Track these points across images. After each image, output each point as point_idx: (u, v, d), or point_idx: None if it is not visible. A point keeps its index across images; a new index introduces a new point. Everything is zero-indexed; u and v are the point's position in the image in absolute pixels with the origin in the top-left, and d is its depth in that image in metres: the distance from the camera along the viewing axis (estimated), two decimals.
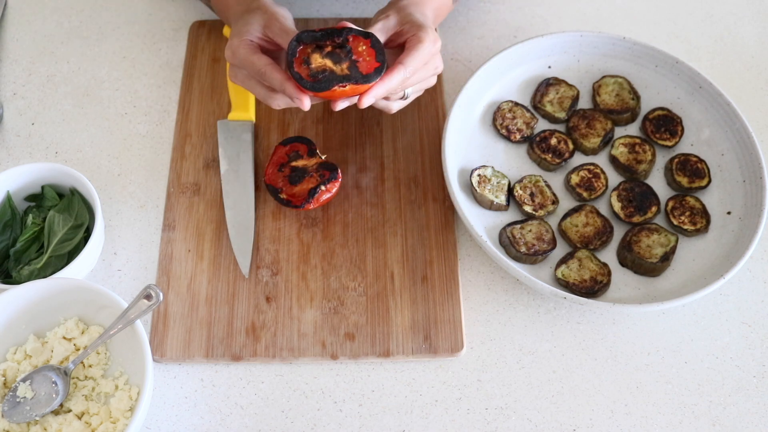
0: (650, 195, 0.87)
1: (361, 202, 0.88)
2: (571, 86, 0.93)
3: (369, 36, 0.74)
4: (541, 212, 0.86)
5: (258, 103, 0.94)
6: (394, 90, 0.75)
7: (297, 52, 0.72)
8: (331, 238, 0.85)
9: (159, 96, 0.96)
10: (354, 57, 0.73)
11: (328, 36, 0.73)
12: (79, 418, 0.74)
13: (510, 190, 0.87)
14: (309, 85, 0.71)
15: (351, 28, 0.74)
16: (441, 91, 0.95)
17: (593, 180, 0.88)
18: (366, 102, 0.72)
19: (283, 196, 0.85)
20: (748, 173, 0.86)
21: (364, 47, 0.73)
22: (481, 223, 0.85)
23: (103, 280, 0.83)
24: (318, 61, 0.72)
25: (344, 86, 0.71)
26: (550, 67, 0.96)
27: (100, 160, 0.91)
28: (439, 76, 0.95)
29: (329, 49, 0.73)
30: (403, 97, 0.81)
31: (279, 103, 0.76)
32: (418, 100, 0.94)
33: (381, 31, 0.77)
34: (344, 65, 0.72)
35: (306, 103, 0.73)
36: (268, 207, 0.87)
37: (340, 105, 0.74)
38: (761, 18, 1.06)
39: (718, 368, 0.80)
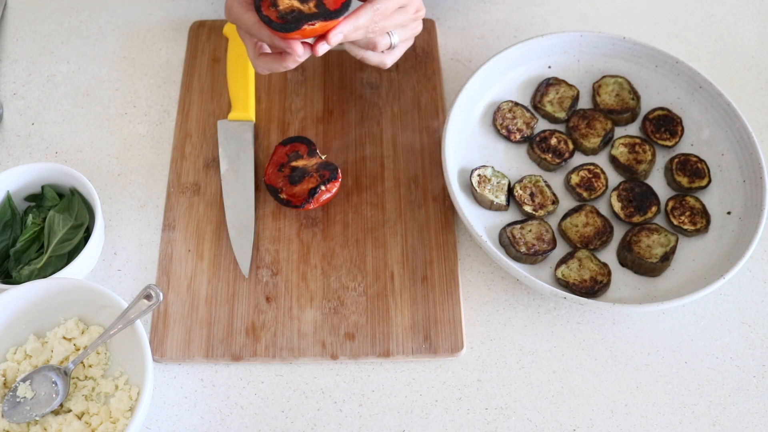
0: (650, 195, 0.87)
1: (361, 202, 0.88)
2: (571, 86, 0.93)
3: None
4: (541, 212, 0.86)
5: (258, 103, 0.94)
6: (363, 28, 0.73)
7: None
8: (331, 238, 0.85)
9: (159, 96, 0.96)
10: None
11: None
12: (79, 418, 0.74)
13: (510, 190, 0.87)
14: (279, 26, 0.70)
15: None
16: (441, 91, 0.95)
17: (593, 180, 0.88)
18: (333, 39, 0.71)
19: (283, 196, 0.85)
20: (748, 173, 0.86)
21: None
22: (481, 223, 0.85)
23: (103, 280, 0.83)
24: (285, 2, 0.71)
25: (313, 24, 0.70)
26: (550, 67, 0.96)
27: (100, 160, 0.91)
28: (439, 76, 0.96)
29: None
30: (391, 47, 0.79)
31: (263, 67, 0.76)
32: (418, 100, 0.94)
33: None
34: (311, 3, 0.71)
35: (298, 49, 0.71)
36: (268, 207, 0.87)
37: (321, 48, 0.72)
38: (761, 18, 1.06)
39: (718, 368, 0.80)
